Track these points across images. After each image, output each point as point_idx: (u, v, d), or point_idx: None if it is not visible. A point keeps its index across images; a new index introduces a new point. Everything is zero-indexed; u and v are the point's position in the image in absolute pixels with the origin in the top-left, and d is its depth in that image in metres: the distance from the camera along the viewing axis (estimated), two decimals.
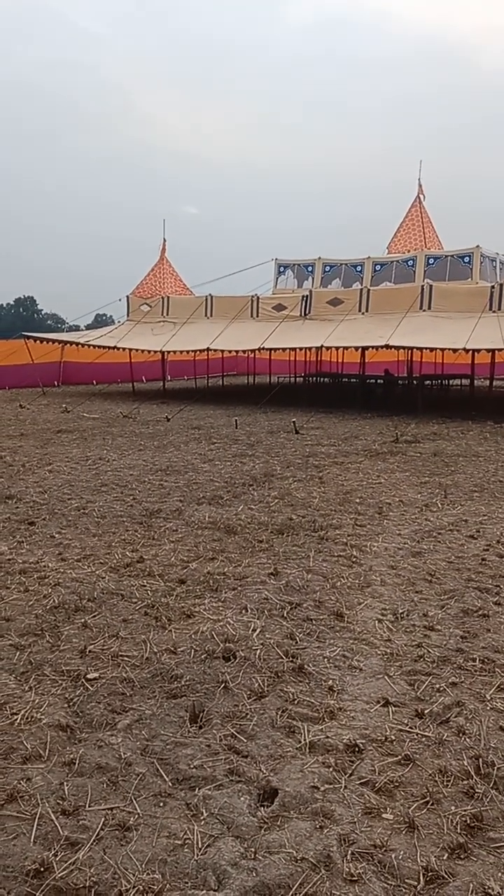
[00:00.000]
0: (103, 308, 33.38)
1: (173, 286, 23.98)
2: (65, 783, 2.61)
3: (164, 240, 24.62)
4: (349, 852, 2.27)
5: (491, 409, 15.80)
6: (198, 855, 2.25)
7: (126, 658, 3.61)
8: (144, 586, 4.67)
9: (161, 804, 2.51)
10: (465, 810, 2.47)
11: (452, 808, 2.49)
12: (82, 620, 4.07)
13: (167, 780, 2.65)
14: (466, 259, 19.66)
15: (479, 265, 19.39)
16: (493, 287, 17.23)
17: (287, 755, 2.80)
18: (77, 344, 22.77)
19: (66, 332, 28.68)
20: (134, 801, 2.52)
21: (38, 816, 2.42)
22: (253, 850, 2.27)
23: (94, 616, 4.16)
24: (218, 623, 4.04)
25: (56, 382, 24.81)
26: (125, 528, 6.17)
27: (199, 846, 2.29)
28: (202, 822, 2.41)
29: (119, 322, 24.26)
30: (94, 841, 2.32)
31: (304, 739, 2.90)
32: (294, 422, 13.53)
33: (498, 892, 2.11)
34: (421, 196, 25.58)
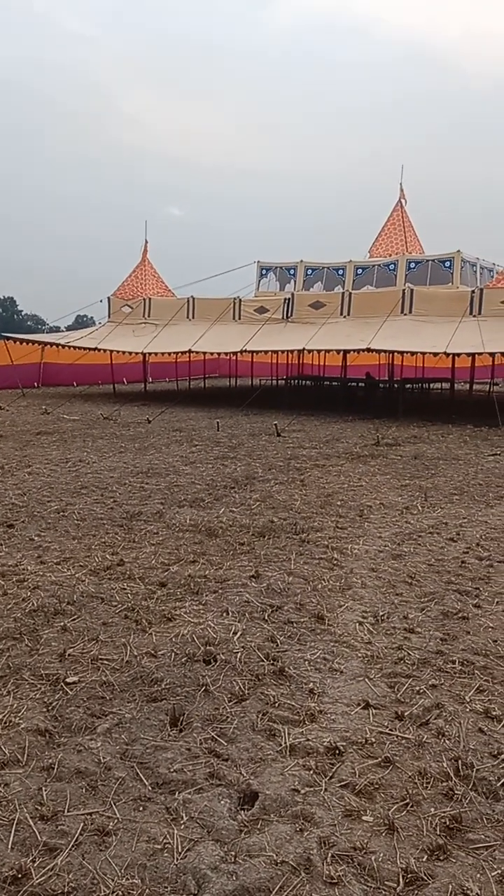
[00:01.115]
0: (84, 309, 33.22)
1: (155, 288, 23.89)
2: (43, 788, 2.59)
3: (147, 241, 24.53)
4: (329, 855, 2.27)
5: (471, 413, 15.93)
6: (177, 859, 2.24)
7: (106, 662, 3.58)
8: (125, 589, 4.65)
9: (141, 808, 2.50)
10: (444, 812, 2.48)
11: (432, 809, 2.51)
12: (62, 624, 4.04)
13: (147, 784, 2.63)
14: (447, 264, 19.82)
15: (459, 270, 19.54)
16: (473, 292, 17.37)
17: (267, 758, 2.80)
18: (57, 345, 22.62)
19: (47, 332, 28.50)
20: (113, 806, 2.50)
21: (15, 822, 2.39)
22: (233, 853, 2.27)
23: (74, 619, 4.13)
24: (198, 626, 4.02)
25: (36, 384, 24.62)
26: (105, 531, 6.13)
27: (179, 850, 2.27)
28: (182, 826, 2.40)
29: (100, 323, 24.14)
30: (72, 846, 2.30)
31: (285, 742, 2.89)
32: (276, 424, 13.55)
33: (476, 894, 2.12)
34: (403, 200, 25.71)
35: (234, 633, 3.94)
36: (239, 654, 3.67)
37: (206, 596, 4.56)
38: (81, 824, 2.40)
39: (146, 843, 2.31)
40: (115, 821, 2.42)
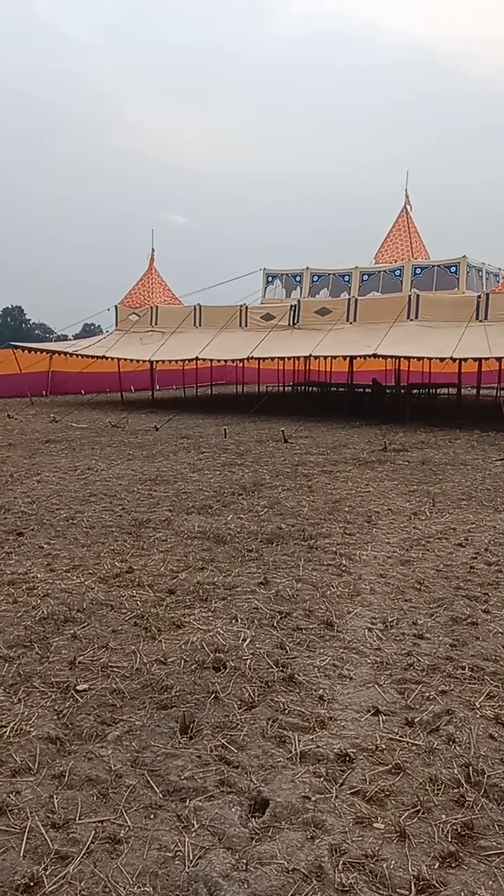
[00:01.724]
0: (92, 318, 33.37)
1: (162, 296, 23.98)
2: (54, 796, 2.59)
3: (153, 249, 24.60)
4: (340, 862, 2.27)
5: (478, 418, 15.90)
6: (189, 867, 2.24)
7: (116, 669, 3.59)
8: (134, 597, 4.65)
9: (152, 816, 2.50)
10: (455, 819, 2.48)
11: (443, 816, 2.50)
12: (71, 631, 4.05)
13: (158, 791, 2.63)
14: (453, 269, 19.82)
15: (465, 275, 19.54)
16: (479, 297, 17.36)
17: (278, 765, 2.80)
18: (65, 353, 22.74)
19: (55, 341, 28.61)
20: (124, 814, 2.51)
21: (27, 830, 2.40)
22: (244, 861, 2.26)
23: (84, 627, 4.14)
24: (208, 633, 4.03)
25: (44, 392, 24.73)
26: (114, 539, 6.15)
27: (191, 858, 2.28)
28: (193, 834, 2.40)
29: (108, 332, 24.23)
30: (84, 854, 2.30)
31: (295, 749, 2.89)
32: (283, 431, 13.55)
33: None
34: (408, 206, 25.73)
35: (244, 640, 3.94)
36: (248, 661, 3.67)
37: (215, 603, 4.57)
38: (93, 832, 2.41)
39: (157, 851, 2.31)
40: (127, 828, 2.43)
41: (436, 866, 2.26)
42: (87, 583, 4.93)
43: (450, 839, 2.38)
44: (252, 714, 3.18)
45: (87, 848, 2.33)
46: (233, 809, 2.53)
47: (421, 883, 2.18)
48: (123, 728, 3.05)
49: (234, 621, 4.24)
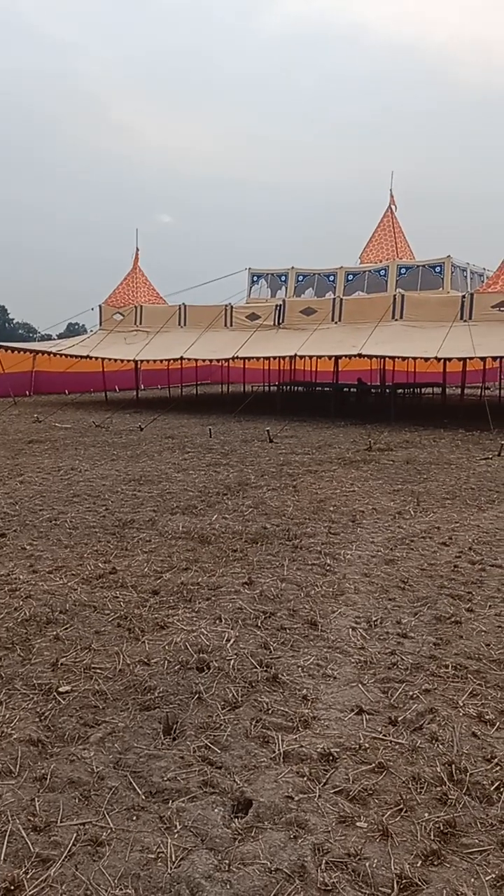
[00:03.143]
0: (76, 317, 33.15)
1: (146, 295, 23.91)
2: (36, 799, 2.57)
3: (137, 249, 24.54)
4: (323, 862, 2.27)
5: (462, 417, 15.98)
6: (171, 868, 2.23)
7: (98, 670, 3.57)
8: (117, 598, 4.63)
9: (134, 818, 2.49)
10: (438, 817, 2.48)
11: (426, 814, 2.50)
12: (54, 633, 4.02)
13: (140, 793, 2.62)
14: (438, 269, 19.92)
15: (450, 275, 19.65)
16: (463, 297, 17.46)
17: (261, 765, 2.79)
18: (49, 353, 22.61)
19: (38, 341, 28.44)
20: (106, 816, 2.49)
21: (8, 833, 2.38)
22: (227, 862, 2.26)
23: (66, 628, 4.11)
24: (191, 634, 4.02)
25: (27, 392, 24.57)
26: (97, 539, 6.12)
27: (173, 860, 2.27)
28: (176, 835, 2.39)
29: (92, 331, 24.14)
30: (65, 857, 2.28)
31: (279, 749, 2.89)
32: (268, 430, 13.56)
33: None
34: (393, 206, 25.86)
35: (228, 641, 3.93)
36: (232, 661, 3.66)
37: (199, 603, 4.55)
38: (74, 835, 2.39)
39: (140, 853, 2.30)
40: (109, 830, 2.41)
41: (418, 864, 2.26)
42: (69, 584, 4.90)
43: (432, 837, 2.39)
44: (236, 714, 3.17)
45: (69, 851, 2.31)
46: (216, 810, 2.52)
47: (404, 881, 2.18)
48: (106, 730, 3.04)
49: (218, 621, 4.23)
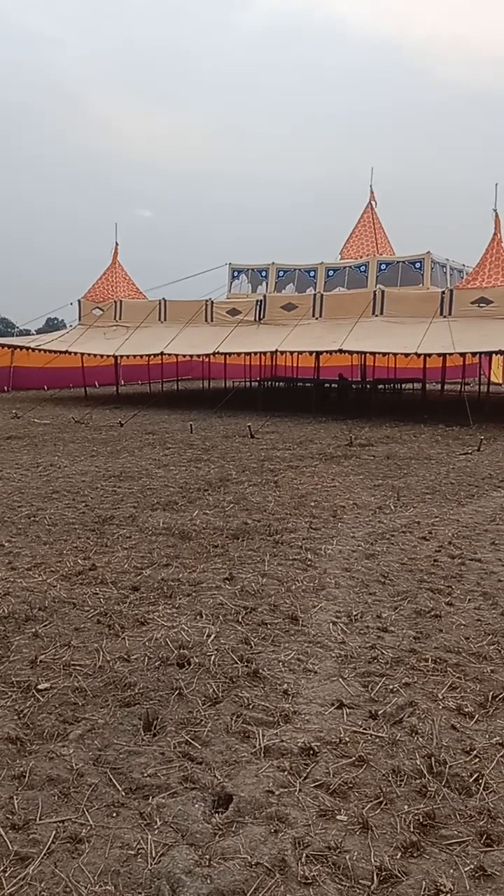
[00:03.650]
0: (55, 312, 33.08)
1: (126, 290, 23.75)
2: (14, 797, 2.55)
3: (117, 243, 24.37)
4: (303, 855, 2.27)
5: (442, 413, 16.08)
6: (151, 864, 2.22)
7: (78, 667, 3.55)
8: (97, 594, 4.61)
9: (114, 814, 2.48)
10: (417, 809, 2.50)
11: (405, 807, 2.52)
12: (33, 630, 3.99)
13: (120, 789, 2.61)
14: (418, 265, 19.99)
15: (430, 271, 19.72)
16: (443, 293, 17.55)
17: (242, 760, 2.79)
18: (28, 348, 22.40)
19: (17, 336, 28.19)
20: (86, 813, 2.48)
21: None
22: (207, 857, 2.25)
23: (45, 625, 4.08)
24: (172, 630, 4.00)
25: (6, 388, 24.33)
26: (77, 536, 6.08)
27: (153, 855, 2.26)
28: (156, 831, 2.38)
29: (71, 326, 23.96)
30: (44, 855, 2.27)
31: (259, 744, 2.89)
32: (249, 426, 13.55)
33: (450, 889, 2.13)
34: (373, 202, 25.92)
35: (208, 636, 3.93)
36: (213, 657, 3.66)
37: (180, 599, 4.54)
38: (53, 832, 2.37)
39: (119, 850, 2.29)
40: (88, 827, 2.40)
41: (398, 856, 2.28)
42: (49, 581, 4.86)
43: (412, 829, 2.40)
44: (216, 710, 3.17)
45: (48, 848, 2.30)
46: (196, 805, 2.52)
47: (383, 873, 2.20)
48: (86, 726, 3.02)
49: (198, 617, 4.22)
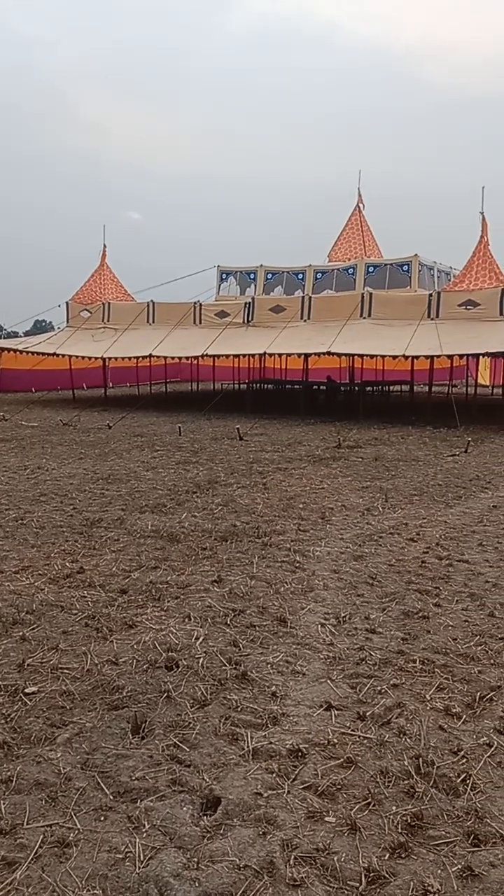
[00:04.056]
0: (42, 314, 33.02)
1: (114, 292, 23.71)
2: (1, 801, 2.53)
3: (105, 246, 24.33)
4: (292, 857, 2.27)
5: (430, 415, 16.15)
6: (139, 868, 2.21)
7: (66, 671, 3.53)
8: (85, 597, 4.59)
9: (102, 818, 2.47)
10: (405, 810, 2.50)
11: (393, 808, 2.52)
12: (20, 633, 3.97)
13: (108, 793, 2.60)
14: (405, 267, 20.08)
15: (417, 273, 19.83)
16: (431, 295, 17.64)
17: (230, 763, 2.79)
18: (15, 350, 22.33)
19: (4, 338, 28.07)
20: (74, 817, 2.46)
21: None
22: (196, 860, 2.25)
23: (33, 629, 4.06)
24: (160, 632, 4.00)
25: None
26: (65, 539, 6.05)
27: (141, 859, 2.25)
28: (144, 835, 2.37)
29: (59, 328, 23.90)
30: (32, 860, 2.25)
31: (248, 746, 2.89)
32: (238, 428, 13.55)
33: (437, 889, 2.14)
34: (361, 205, 26.03)
35: (197, 639, 3.92)
36: (201, 660, 3.65)
37: (168, 602, 4.53)
38: (41, 837, 2.36)
39: (107, 853, 2.28)
40: (76, 832, 2.39)
41: (386, 857, 2.28)
42: (36, 584, 4.84)
43: (400, 830, 2.41)
44: (204, 712, 3.16)
45: (35, 853, 2.28)
46: (184, 808, 2.51)
47: (371, 874, 2.20)
48: (73, 730, 3.01)
49: (187, 620, 4.21)
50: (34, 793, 2.59)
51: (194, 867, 2.22)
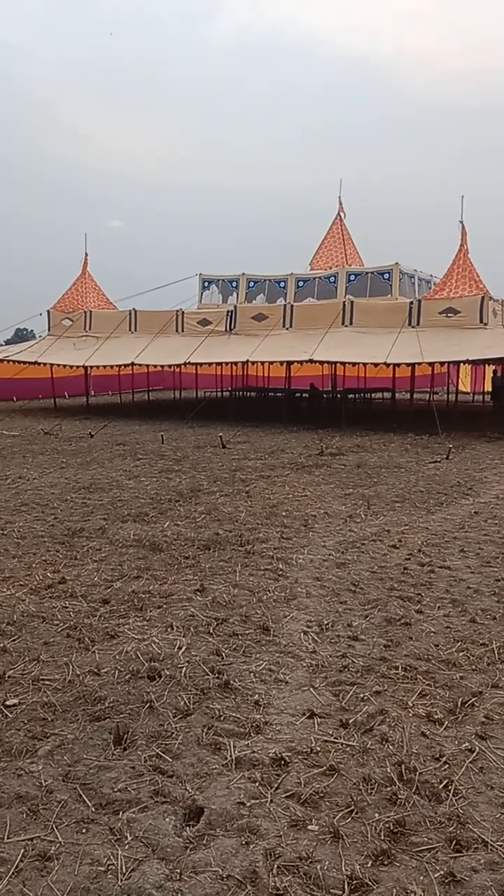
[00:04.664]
0: (24, 322, 32.69)
1: (96, 301, 23.64)
2: None
3: (87, 254, 24.26)
4: (275, 866, 2.27)
5: (411, 422, 16.25)
6: (122, 880, 2.20)
7: (47, 682, 3.51)
8: (66, 608, 4.56)
9: (84, 831, 2.45)
10: (388, 817, 2.51)
11: (376, 815, 2.53)
12: (1, 645, 3.94)
13: (90, 805, 2.58)
14: (386, 276, 20.22)
15: (398, 282, 19.97)
16: (411, 303, 17.78)
17: (213, 772, 2.78)
18: None
19: None
20: (55, 830, 2.44)
21: None
22: (178, 871, 2.24)
23: (14, 640, 4.03)
24: (143, 642, 3.98)
25: None
26: (46, 549, 6.02)
27: (123, 871, 2.24)
28: (126, 847, 2.36)
29: (40, 337, 23.78)
30: (12, 874, 2.23)
31: (230, 755, 2.88)
32: (221, 436, 13.55)
33: None
34: (342, 214, 26.18)
35: (179, 648, 3.91)
36: (184, 669, 3.64)
37: (151, 611, 4.52)
38: (22, 850, 2.34)
39: (89, 866, 2.27)
40: (58, 844, 2.37)
41: (369, 865, 2.28)
42: (17, 594, 4.80)
43: (382, 837, 2.41)
44: (187, 722, 3.15)
45: (16, 867, 2.26)
46: (167, 819, 2.50)
47: (354, 882, 2.20)
48: (55, 742, 2.98)
49: (169, 629, 4.20)
50: (15, 806, 2.57)
51: (177, 878, 2.21)
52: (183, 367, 20.15)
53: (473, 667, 3.74)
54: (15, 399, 24.13)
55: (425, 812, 2.55)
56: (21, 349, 22.46)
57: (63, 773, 2.77)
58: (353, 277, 20.75)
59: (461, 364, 21.27)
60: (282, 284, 21.92)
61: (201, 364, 20.14)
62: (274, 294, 21.88)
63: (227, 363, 20.90)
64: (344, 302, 18.64)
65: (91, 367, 20.50)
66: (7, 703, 3.29)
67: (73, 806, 2.58)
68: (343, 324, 18.07)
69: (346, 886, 2.19)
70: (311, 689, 3.47)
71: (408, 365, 17.22)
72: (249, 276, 22.66)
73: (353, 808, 2.57)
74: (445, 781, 2.72)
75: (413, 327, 17.09)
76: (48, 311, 23.17)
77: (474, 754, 2.91)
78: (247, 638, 4.10)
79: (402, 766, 2.81)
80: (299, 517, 7.25)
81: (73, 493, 8.49)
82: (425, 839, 2.41)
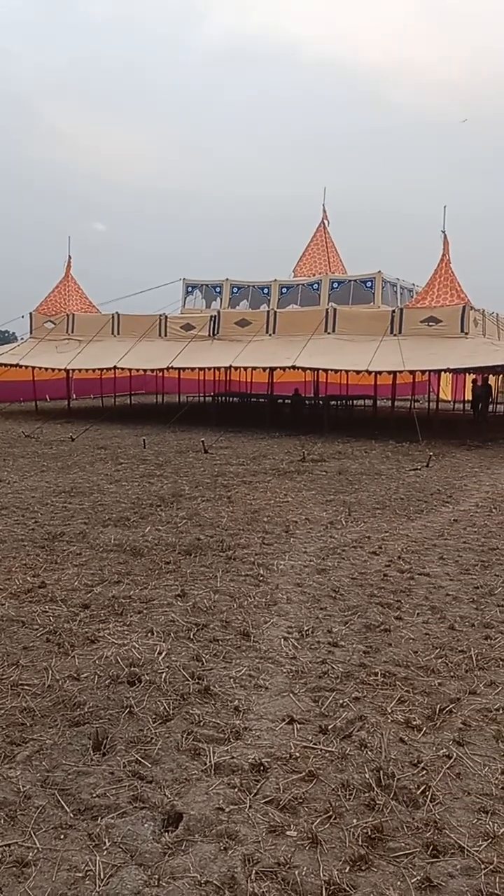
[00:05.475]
0: (5, 325, 32.55)
1: (79, 304, 23.56)
2: None
3: (70, 257, 24.18)
4: (253, 872, 2.27)
5: (392, 429, 16.35)
6: (100, 886, 2.19)
7: (26, 687, 3.49)
8: (46, 612, 4.54)
9: (62, 836, 2.44)
10: (366, 822, 2.53)
11: (354, 820, 2.54)
12: None
13: (68, 811, 2.57)
14: (369, 284, 20.37)
15: (380, 290, 20.12)
16: (393, 311, 17.91)
17: (192, 778, 2.78)
18: None
19: None
20: (33, 836, 2.43)
21: None
22: (157, 877, 2.24)
23: None
24: (123, 647, 3.97)
25: None
26: (26, 553, 5.98)
27: (101, 877, 2.23)
28: (104, 853, 2.35)
29: (22, 339, 23.65)
30: None
31: (210, 761, 2.88)
32: (203, 441, 13.55)
33: None
34: (325, 221, 26.35)
35: (159, 654, 3.91)
36: (164, 675, 3.64)
37: (131, 616, 4.51)
38: None
39: (67, 872, 2.26)
40: (35, 851, 2.36)
41: (346, 870, 2.30)
42: None
43: (360, 843, 2.43)
44: (167, 727, 3.15)
45: None
46: (146, 825, 2.50)
47: (332, 887, 2.21)
48: (33, 747, 2.97)
49: (149, 635, 4.20)
50: None
51: (155, 884, 2.20)
52: (165, 371, 20.14)
53: (452, 673, 3.78)
54: None
55: (403, 818, 2.57)
56: (2, 351, 22.34)
57: (41, 779, 2.75)
58: (336, 285, 20.88)
59: (442, 372, 21.45)
60: (265, 291, 22.01)
61: (184, 369, 20.14)
62: (257, 300, 21.96)
63: (209, 368, 20.93)
64: (327, 309, 18.75)
65: (73, 370, 20.41)
66: None
67: (52, 812, 2.57)
68: (326, 331, 18.17)
69: (323, 892, 2.20)
70: (291, 695, 3.48)
71: (389, 373, 17.33)
72: (233, 281, 22.73)
73: (331, 813, 2.58)
74: (423, 787, 2.74)
75: (395, 335, 17.23)
76: (30, 314, 23.06)
77: (452, 760, 2.94)
78: (227, 643, 4.11)
79: (381, 771, 2.82)
80: (280, 523, 7.27)
81: (53, 497, 8.45)
82: (403, 845, 2.43)
